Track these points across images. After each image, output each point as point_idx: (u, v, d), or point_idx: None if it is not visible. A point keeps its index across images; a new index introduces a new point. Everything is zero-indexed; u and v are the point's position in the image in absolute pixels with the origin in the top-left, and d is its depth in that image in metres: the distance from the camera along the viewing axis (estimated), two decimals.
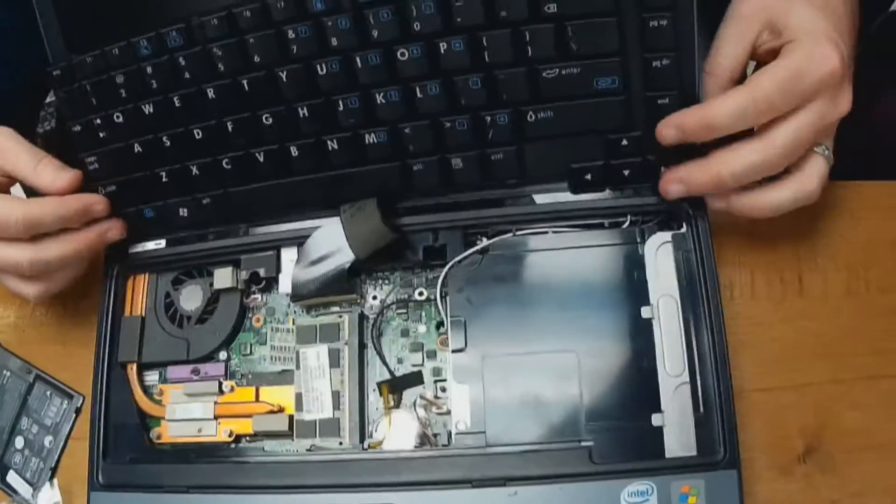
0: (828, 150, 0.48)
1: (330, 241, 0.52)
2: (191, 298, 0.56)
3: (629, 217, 0.51)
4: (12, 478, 0.59)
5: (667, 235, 0.50)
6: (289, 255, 0.54)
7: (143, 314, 0.56)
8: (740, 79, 0.48)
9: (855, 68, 0.48)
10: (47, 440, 0.59)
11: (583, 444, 0.47)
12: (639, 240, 0.50)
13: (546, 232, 0.51)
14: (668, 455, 0.46)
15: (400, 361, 0.52)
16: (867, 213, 0.53)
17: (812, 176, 0.48)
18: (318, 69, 0.49)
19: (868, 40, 0.55)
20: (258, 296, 0.56)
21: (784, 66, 0.45)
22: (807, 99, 0.45)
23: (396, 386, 0.51)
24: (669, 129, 0.47)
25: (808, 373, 0.50)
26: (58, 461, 0.58)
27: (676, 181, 0.48)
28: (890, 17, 0.59)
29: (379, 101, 0.49)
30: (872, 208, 0.53)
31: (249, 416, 0.53)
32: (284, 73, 0.49)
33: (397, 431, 0.50)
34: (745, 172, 0.46)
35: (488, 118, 0.49)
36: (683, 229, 0.50)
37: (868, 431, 0.49)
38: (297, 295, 0.53)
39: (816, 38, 0.45)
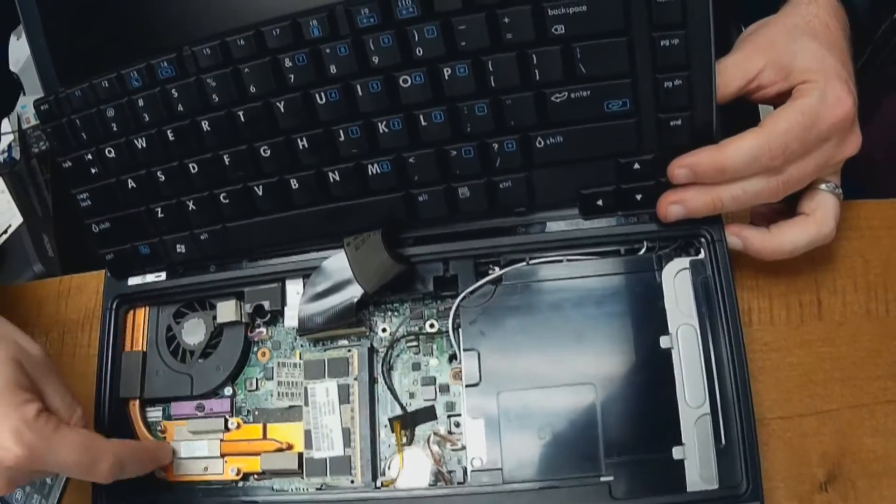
0: (837, 187, 0.48)
1: (337, 273, 0.50)
2: (193, 332, 0.55)
3: (645, 244, 0.49)
4: None
5: (684, 262, 0.48)
6: (294, 287, 0.53)
7: (145, 349, 0.55)
8: None
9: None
10: (48, 477, 0.58)
11: (602, 479, 0.46)
12: (656, 267, 0.49)
13: (560, 260, 0.50)
14: (689, 489, 0.45)
15: (412, 396, 0.51)
16: (887, 231, 0.52)
17: (828, 217, 0.48)
18: (317, 98, 0.47)
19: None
20: (263, 329, 0.54)
21: (800, 108, 0.45)
22: (820, 140, 0.45)
23: (409, 422, 0.50)
24: (682, 170, 0.46)
25: (827, 398, 0.49)
26: (60, 498, 0.57)
27: (676, 202, 0.47)
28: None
29: (381, 130, 0.47)
30: (893, 227, 0.52)
31: (257, 453, 0.51)
32: (282, 103, 0.47)
33: (411, 469, 0.49)
34: (745, 197, 0.46)
35: (495, 145, 0.47)
36: (702, 255, 0.48)
37: (889, 457, 0.48)
38: (303, 328, 0.51)
39: (829, 79, 0.45)
